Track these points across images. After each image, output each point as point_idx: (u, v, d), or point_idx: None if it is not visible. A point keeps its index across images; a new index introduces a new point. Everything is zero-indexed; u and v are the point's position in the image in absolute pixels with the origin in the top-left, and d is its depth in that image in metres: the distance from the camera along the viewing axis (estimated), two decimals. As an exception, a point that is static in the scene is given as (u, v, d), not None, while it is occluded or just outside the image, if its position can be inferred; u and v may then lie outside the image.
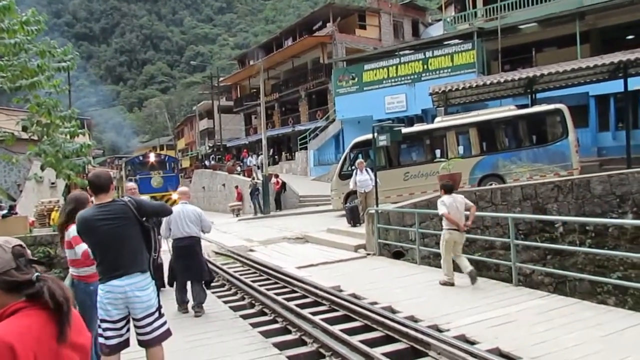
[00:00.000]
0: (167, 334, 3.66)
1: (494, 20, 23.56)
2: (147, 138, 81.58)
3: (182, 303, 6.48)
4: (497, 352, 4.51)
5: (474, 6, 26.42)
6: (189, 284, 6.48)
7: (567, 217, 10.29)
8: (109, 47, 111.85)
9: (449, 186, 7.20)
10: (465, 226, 6.97)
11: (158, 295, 3.70)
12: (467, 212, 7.04)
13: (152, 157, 25.05)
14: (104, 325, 3.51)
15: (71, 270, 4.35)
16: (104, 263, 3.52)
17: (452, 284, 7.04)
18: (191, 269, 6.35)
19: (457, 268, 7.17)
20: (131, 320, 3.58)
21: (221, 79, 46.38)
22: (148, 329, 3.54)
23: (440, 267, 7.31)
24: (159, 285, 4.72)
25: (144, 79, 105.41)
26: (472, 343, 4.70)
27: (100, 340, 3.54)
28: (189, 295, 6.48)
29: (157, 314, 3.59)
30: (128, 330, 3.60)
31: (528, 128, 14.52)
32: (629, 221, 10.19)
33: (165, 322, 3.65)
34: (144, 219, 3.64)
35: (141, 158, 25.90)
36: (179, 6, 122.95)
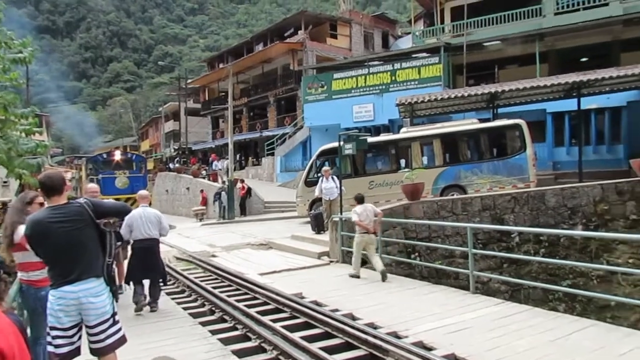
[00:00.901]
0: (122, 340, 3.54)
1: (461, 36, 24.26)
2: (110, 138, 79.42)
3: (139, 301, 6.66)
4: (453, 358, 4.66)
5: (442, 22, 27.15)
6: (146, 282, 6.78)
7: (522, 228, 10.67)
8: (72, 42, 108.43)
9: (360, 197, 8.71)
10: (376, 230, 8.43)
11: (113, 302, 3.60)
12: (376, 218, 8.44)
13: (117, 155, 23.37)
14: (54, 332, 3.34)
15: (20, 274, 4.12)
16: (57, 268, 3.37)
17: (358, 277, 8.42)
18: (151, 269, 6.70)
19: (414, 273, 7.33)
20: (84, 327, 3.43)
21: (189, 80, 45.82)
22: (102, 336, 3.40)
23: (400, 274, 7.52)
24: (115, 290, 4.61)
25: (109, 77, 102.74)
26: (429, 349, 4.83)
27: (50, 348, 3.36)
28: (146, 292, 6.80)
29: (111, 321, 3.46)
30: (80, 337, 3.45)
31: (489, 141, 15.00)
32: (578, 232, 10.69)
33: (120, 329, 3.53)
34: (101, 221, 3.54)
35: (105, 156, 23.95)
36: (149, 4, 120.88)
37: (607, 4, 21.79)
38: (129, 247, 6.99)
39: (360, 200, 8.64)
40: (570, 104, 18.44)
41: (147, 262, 6.63)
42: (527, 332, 5.16)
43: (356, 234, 8.51)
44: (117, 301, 5.80)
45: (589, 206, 11.39)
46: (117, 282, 7.43)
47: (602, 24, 20.41)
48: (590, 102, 18.90)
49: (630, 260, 10.42)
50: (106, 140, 78.79)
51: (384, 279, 8.03)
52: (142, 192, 7.38)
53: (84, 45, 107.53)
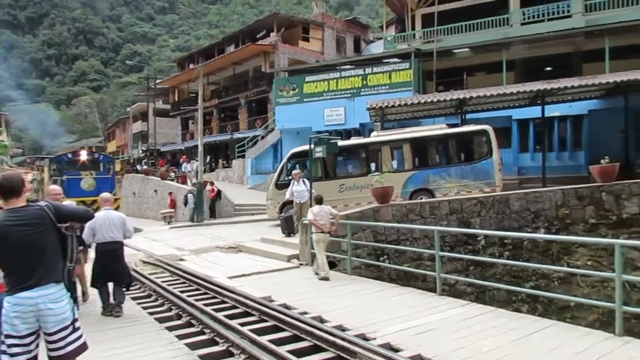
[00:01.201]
0: (83, 347, 3.42)
1: (431, 42, 24.70)
2: (75, 138, 77.21)
3: (107, 305, 6.64)
4: (419, 358, 4.74)
5: (413, 28, 27.61)
6: (110, 285, 6.73)
7: (488, 231, 10.94)
8: (35, 38, 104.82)
9: (319, 199, 9.20)
10: (330, 230, 8.73)
11: (74, 307, 3.49)
12: (333, 220, 8.83)
13: (83, 155, 22.21)
14: (10, 341, 3.18)
15: None
16: (14, 273, 3.23)
17: (328, 279, 8.55)
18: (116, 272, 6.67)
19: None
20: (42, 334, 3.28)
21: (159, 80, 45.09)
22: (61, 343, 3.27)
23: (369, 277, 7.61)
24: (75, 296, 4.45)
25: (74, 75, 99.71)
26: (397, 350, 4.90)
27: (4, 358, 3.21)
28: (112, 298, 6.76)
29: (71, 327, 3.33)
30: (37, 345, 3.30)
31: (457, 146, 15.33)
32: (540, 235, 11.02)
33: (81, 336, 3.40)
34: (63, 225, 3.43)
35: (70, 155, 22.68)
36: (118, 2, 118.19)
37: (570, 16, 22.62)
38: (91, 251, 6.87)
39: (319, 201, 9.13)
40: (534, 112, 19.06)
41: (112, 266, 6.61)
42: (491, 333, 5.30)
43: (313, 233, 8.94)
44: (78, 307, 5.68)
45: (551, 210, 11.76)
46: (82, 288, 7.26)
47: (565, 35, 21.17)
48: (553, 110, 19.57)
49: (589, 263, 10.84)
50: (70, 140, 76.55)
51: (325, 278, 8.54)
52: (105, 194, 7.20)
53: (47, 42, 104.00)
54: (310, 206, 11.57)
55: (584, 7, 22.53)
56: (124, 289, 6.80)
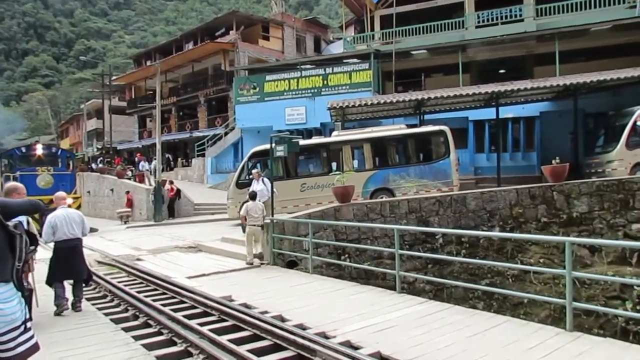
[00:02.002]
0: (34, 349, 3.30)
1: (390, 44, 25.09)
2: (25, 135, 73.71)
3: (62, 303, 6.56)
4: (378, 355, 4.78)
5: (372, 29, 27.94)
6: (66, 283, 6.73)
7: (446, 230, 11.20)
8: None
9: (253, 195, 10.50)
10: (262, 224, 9.96)
11: (29, 307, 3.37)
12: (265, 214, 10.10)
13: (39, 150, 19.89)
14: None
15: None
16: None
17: (252, 263, 9.81)
18: (77, 268, 6.79)
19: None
20: None
21: (114, 77, 43.73)
22: (11, 344, 3.15)
23: (330, 275, 7.64)
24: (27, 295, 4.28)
25: (24, 71, 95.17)
26: (356, 348, 4.93)
27: None
28: (69, 294, 6.72)
29: (22, 328, 3.22)
30: None
31: (416, 146, 15.61)
32: (495, 234, 11.39)
33: (32, 337, 3.29)
34: (13, 222, 3.30)
35: (24, 150, 20.34)
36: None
37: (522, 20, 23.49)
38: (40, 253, 6.69)
39: (252, 197, 10.35)
40: (489, 113, 19.65)
41: (73, 262, 6.70)
42: (447, 329, 5.41)
43: (247, 226, 10.00)
44: (30, 308, 5.47)
45: (505, 209, 12.16)
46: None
47: (518, 39, 21.95)
48: (507, 112, 20.27)
49: (541, 260, 11.27)
50: (20, 137, 73.12)
51: (251, 264, 9.81)
52: (60, 193, 7.12)
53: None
54: (272, 206, 11.60)
55: (535, 11, 23.46)
56: (83, 285, 6.94)
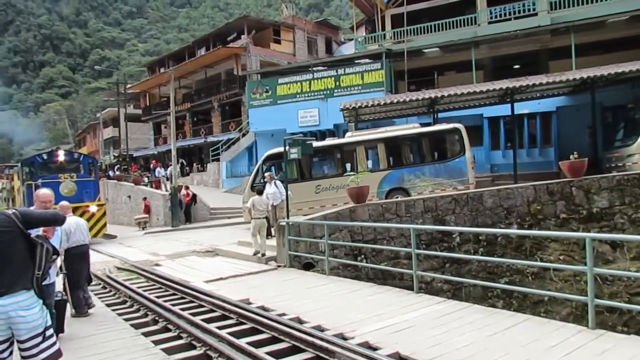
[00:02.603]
0: (57, 355, 3.38)
1: (401, 43, 24.98)
2: (44, 145, 75.22)
3: (83, 308, 6.88)
4: (397, 356, 4.75)
5: (383, 29, 27.85)
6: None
7: (462, 228, 11.08)
8: (1, 45, 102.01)
9: (260, 190, 12.08)
10: (267, 216, 11.40)
11: (51, 314, 3.44)
12: (269, 208, 11.85)
13: (61, 156, 18.81)
14: None
15: None
16: None
17: (258, 252, 10.88)
18: (89, 272, 7.29)
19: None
20: (15, 342, 3.26)
21: (129, 85, 44.31)
22: (34, 350, 3.24)
23: (347, 276, 7.62)
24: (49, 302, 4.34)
25: (41, 82, 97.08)
26: (375, 349, 4.90)
27: None
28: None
29: (44, 335, 3.30)
30: (11, 353, 3.29)
31: (430, 145, 15.48)
32: (514, 231, 11.23)
33: (54, 343, 3.38)
34: (34, 232, 3.38)
35: (45, 156, 19.04)
36: (84, 7, 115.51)
37: (535, 14, 23.17)
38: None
39: (259, 192, 11.80)
40: (504, 109, 19.43)
41: (85, 266, 7.11)
42: (466, 329, 5.36)
43: (252, 219, 10.95)
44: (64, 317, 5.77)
45: (523, 206, 12.00)
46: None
47: (531, 33, 21.66)
48: (522, 108, 20.00)
49: (561, 257, 11.07)
50: (39, 148, 74.62)
51: (256, 254, 10.93)
52: (64, 202, 7.11)
53: (13, 49, 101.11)
54: (287, 209, 11.64)
55: (549, 4, 23.11)
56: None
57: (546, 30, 21.56)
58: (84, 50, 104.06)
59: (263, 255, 10.79)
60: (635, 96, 17.64)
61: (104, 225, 18.57)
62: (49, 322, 3.41)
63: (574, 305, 9.72)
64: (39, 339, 3.27)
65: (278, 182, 12.84)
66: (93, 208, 17.91)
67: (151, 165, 32.86)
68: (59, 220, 3.82)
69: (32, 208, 5.27)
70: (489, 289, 10.19)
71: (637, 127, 15.44)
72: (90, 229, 15.07)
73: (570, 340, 4.81)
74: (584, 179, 12.04)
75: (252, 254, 11.01)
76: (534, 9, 23.42)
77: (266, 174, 13.82)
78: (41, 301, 3.37)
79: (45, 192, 5.49)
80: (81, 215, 15.02)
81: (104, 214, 18.59)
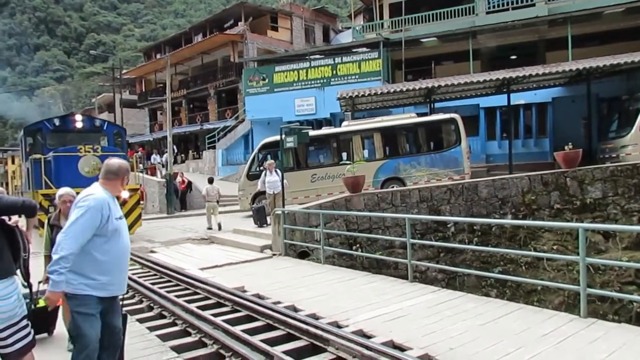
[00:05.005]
0: (31, 344, 3.31)
1: (399, 32, 24.84)
2: (39, 130, 74.65)
3: None
4: (391, 344, 4.80)
5: (381, 17, 27.67)
6: None
7: (457, 218, 11.15)
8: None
9: (211, 179, 15.27)
10: (218, 200, 14.73)
11: (24, 304, 3.34)
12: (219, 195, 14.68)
13: (79, 121, 14.07)
14: None
15: None
16: None
17: (211, 228, 14.05)
18: None
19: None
20: None
21: (125, 71, 43.97)
22: (10, 340, 3.17)
23: (342, 265, 7.69)
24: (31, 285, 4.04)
25: (36, 66, 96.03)
26: (369, 337, 4.95)
27: None
28: None
29: (20, 324, 3.23)
30: None
31: (426, 135, 15.51)
32: (508, 221, 11.33)
33: (30, 333, 3.30)
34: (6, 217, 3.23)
35: (57, 122, 14.01)
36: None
37: (533, 5, 23.09)
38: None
39: (210, 181, 14.94)
40: (501, 100, 19.45)
41: None
42: (460, 317, 5.41)
43: (206, 202, 14.48)
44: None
45: (517, 196, 12.08)
46: None
47: (529, 24, 21.61)
48: (519, 98, 20.04)
49: (555, 247, 11.19)
50: (34, 132, 73.94)
51: (211, 228, 14.08)
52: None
53: (8, 32, 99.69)
54: (282, 197, 11.66)
55: (547, -5, 23.06)
56: None
57: (543, 21, 21.51)
58: (80, 34, 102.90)
59: (219, 229, 13.81)
60: (630, 88, 17.70)
61: (139, 217, 13.22)
62: (25, 312, 3.33)
63: (566, 294, 9.84)
64: (15, 327, 3.20)
65: (278, 171, 12.85)
66: (125, 194, 11.72)
67: (139, 153, 31.48)
68: (27, 208, 3.39)
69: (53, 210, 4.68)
70: (483, 278, 10.29)
71: (631, 119, 15.52)
72: None
73: (562, 328, 4.87)
74: (578, 170, 12.13)
75: (206, 228, 14.22)
76: (531, 0, 23.34)
77: (267, 162, 13.77)
78: (19, 290, 3.28)
79: (67, 191, 4.73)
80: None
81: (139, 201, 13.29)
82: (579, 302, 5.37)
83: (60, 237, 3.17)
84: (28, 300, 3.58)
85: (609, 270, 10.15)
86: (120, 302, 3.66)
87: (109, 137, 14.66)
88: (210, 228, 14.17)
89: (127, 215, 12.20)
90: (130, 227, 12.26)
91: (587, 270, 5.42)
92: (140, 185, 22.95)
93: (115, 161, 3.52)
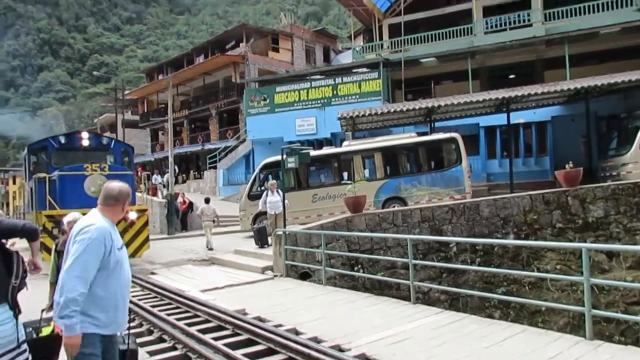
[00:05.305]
0: None
1: (398, 52, 25.12)
2: (41, 150, 74.90)
3: None
4: (394, 368, 4.74)
5: (381, 38, 28.03)
6: None
7: (459, 238, 11.09)
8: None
9: (207, 200, 15.90)
10: (213, 220, 15.10)
11: (20, 329, 3.28)
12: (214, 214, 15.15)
13: (86, 139, 13.51)
14: None
15: None
16: None
17: (212, 249, 14.14)
18: None
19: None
20: None
21: (127, 91, 44.32)
22: None
23: (344, 286, 7.61)
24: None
25: (39, 86, 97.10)
26: (371, 361, 4.90)
27: None
28: None
29: (20, 349, 3.13)
30: None
31: (427, 154, 15.56)
32: (510, 241, 11.25)
33: (28, 358, 3.21)
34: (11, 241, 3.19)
35: (63, 140, 13.41)
36: (83, 12, 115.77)
37: (530, 25, 23.39)
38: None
39: (207, 201, 15.56)
40: (500, 119, 19.55)
41: None
42: (464, 340, 5.35)
43: (203, 221, 14.98)
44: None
45: (519, 216, 12.02)
46: None
47: (526, 44, 21.85)
48: (518, 117, 20.13)
49: (558, 267, 11.09)
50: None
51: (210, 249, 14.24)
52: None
53: (12, 53, 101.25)
54: (284, 218, 11.65)
55: (544, 15, 23.36)
56: None
57: (541, 40, 21.76)
58: (83, 55, 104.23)
59: (210, 249, 14.21)
60: (628, 106, 17.81)
61: (146, 240, 12.48)
62: (24, 337, 3.24)
63: (571, 315, 9.71)
64: (13, 353, 3.11)
65: (279, 191, 12.86)
66: (132, 215, 11.83)
67: (138, 171, 31.18)
68: (27, 232, 3.29)
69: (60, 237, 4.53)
70: (486, 299, 10.18)
71: (630, 137, 15.56)
72: (127, 245, 10.55)
73: (568, 351, 4.81)
74: (580, 189, 12.10)
75: (207, 249, 14.41)
76: (528, 20, 23.66)
77: (269, 182, 13.77)
78: (12, 314, 3.18)
79: (76, 216, 4.59)
80: (116, 224, 10.37)
81: (146, 223, 12.60)
82: (584, 323, 5.31)
83: (63, 277, 2.93)
84: (31, 329, 3.50)
85: (613, 290, 10.05)
86: (127, 333, 3.40)
87: (116, 156, 14.08)
88: (211, 249, 14.20)
89: (134, 237, 12.07)
90: (138, 249, 12.13)
91: (591, 290, 5.37)
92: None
93: (115, 185, 3.28)
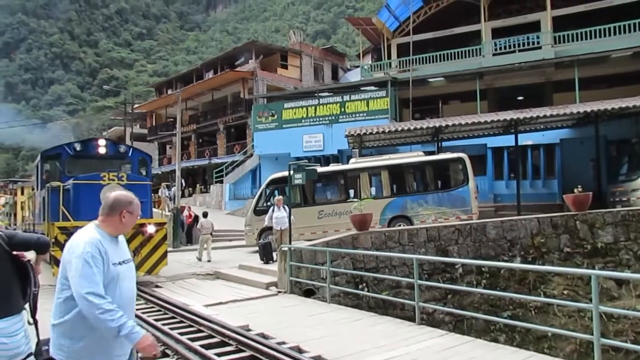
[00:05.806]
0: None
1: (407, 71, 25.29)
2: (49, 162, 75.51)
3: None
4: (398, 391, 4.66)
5: (389, 57, 28.26)
6: None
7: (466, 260, 10.98)
8: (11, 62, 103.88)
9: (205, 214, 15.98)
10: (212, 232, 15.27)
11: (30, 341, 3.26)
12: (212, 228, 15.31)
13: (102, 146, 12.64)
14: None
15: None
16: None
17: (200, 259, 14.88)
18: None
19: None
20: None
21: (136, 105, 44.79)
22: None
23: (348, 305, 7.54)
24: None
25: (49, 99, 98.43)
26: (376, 382, 4.81)
27: None
28: None
29: None
30: None
31: (434, 173, 15.52)
32: (517, 265, 11.11)
33: None
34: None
35: (79, 147, 12.48)
36: (95, 27, 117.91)
37: (539, 47, 23.50)
38: None
39: (205, 215, 15.88)
40: (508, 140, 19.52)
41: None
42: (469, 364, 5.26)
43: (201, 234, 15.19)
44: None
45: (526, 238, 11.91)
46: None
47: (536, 66, 21.93)
48: (526, 139, 20.10)
49: (565, 292, 10.94)
50: (44, 163, 74.77)
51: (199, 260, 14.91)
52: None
53: (24, 67, 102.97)
54: (289, 234, 11.61)
55: (553, 38, 23.46)
56: None
57: (550, 63, 21.83)
58: (93, 69, 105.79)
59: (209, 261, 14.68)
60: (639, 131, 17.71)
61: (164, 255, 11.68)
62: (32, 349, 3.20)
63: (578, 342, 9.55)
64: None
65: (286, 206, 12.84)
66: (151, 228, 11.25)
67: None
68: (40, 245, 3.33)
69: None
70: (491, 322, 10.03)
71: (641, 162, 15.46)
72: (143, 261, 11.13)
73: (575, 379, 4.71)
74: (588, 213, 11.99)
75: (196, 257, 15.20)
76: (538, 42, 23.79)
77: (276, 198, 13.75)
78: (26, 327, 3.20)
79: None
80: (133, 238, 10.81)
81: (165, 237, 11.82)
82: (591, 351, 5.20)
83: (79, 304, 2.61)
84: (47, 347, 3.49)
85: (622, 319, 9.88)
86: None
87: (133, 165, 13.26)
88: (209, 260, 14.68)
89: (152, 252, 11.44)
90: (155, 266, 11.49)
91: (600, 318, 5.27)
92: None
93: (111, 194, 2.95)
